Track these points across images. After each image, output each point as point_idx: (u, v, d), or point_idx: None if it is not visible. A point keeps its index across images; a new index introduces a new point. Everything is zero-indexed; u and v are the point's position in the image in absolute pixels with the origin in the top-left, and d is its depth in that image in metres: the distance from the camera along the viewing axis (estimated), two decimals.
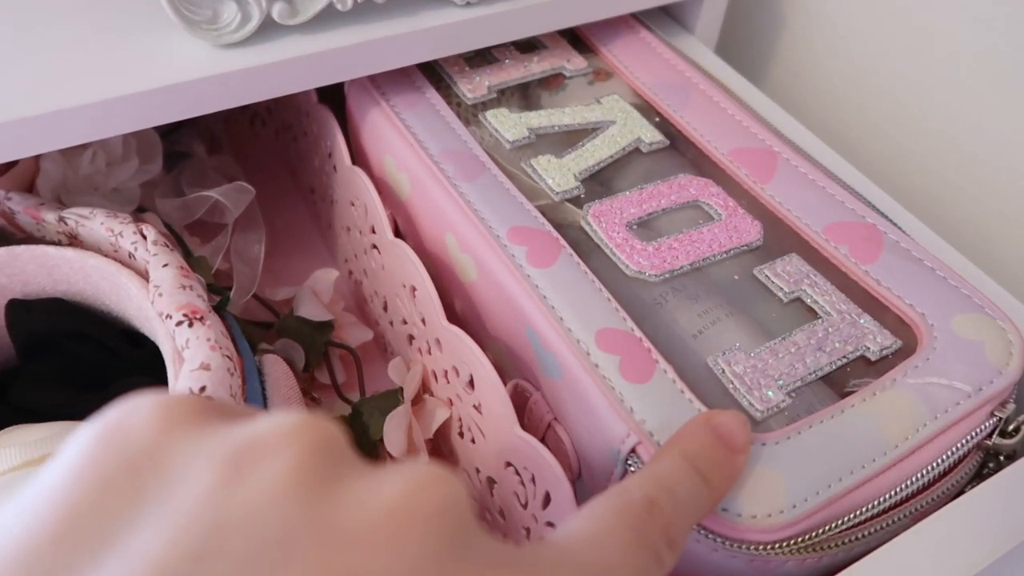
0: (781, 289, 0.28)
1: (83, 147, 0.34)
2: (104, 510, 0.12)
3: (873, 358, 0.26)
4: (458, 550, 0.12)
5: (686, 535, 0.19)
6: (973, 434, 0.24)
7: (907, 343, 0.26)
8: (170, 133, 0.42)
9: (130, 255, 0.28)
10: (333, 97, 0.36)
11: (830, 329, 0.26)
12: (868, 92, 0.42)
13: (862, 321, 0.27)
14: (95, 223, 0.29)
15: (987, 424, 0.24)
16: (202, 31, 0.29)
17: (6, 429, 0.27)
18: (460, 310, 0.32)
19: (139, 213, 0.37)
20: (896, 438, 0.24)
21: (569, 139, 0.33)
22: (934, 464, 0.24)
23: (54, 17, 0.31)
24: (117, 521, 0.12)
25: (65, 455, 0.13)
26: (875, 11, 0.40)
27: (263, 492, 0.12)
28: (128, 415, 0.13)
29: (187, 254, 0.35)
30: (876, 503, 0.23)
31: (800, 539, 0.22)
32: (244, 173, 0.44)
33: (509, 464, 0.27)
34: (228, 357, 0.25)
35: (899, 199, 0.32)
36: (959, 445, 0.24)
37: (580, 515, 0.18)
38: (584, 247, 0.29)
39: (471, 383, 0.29)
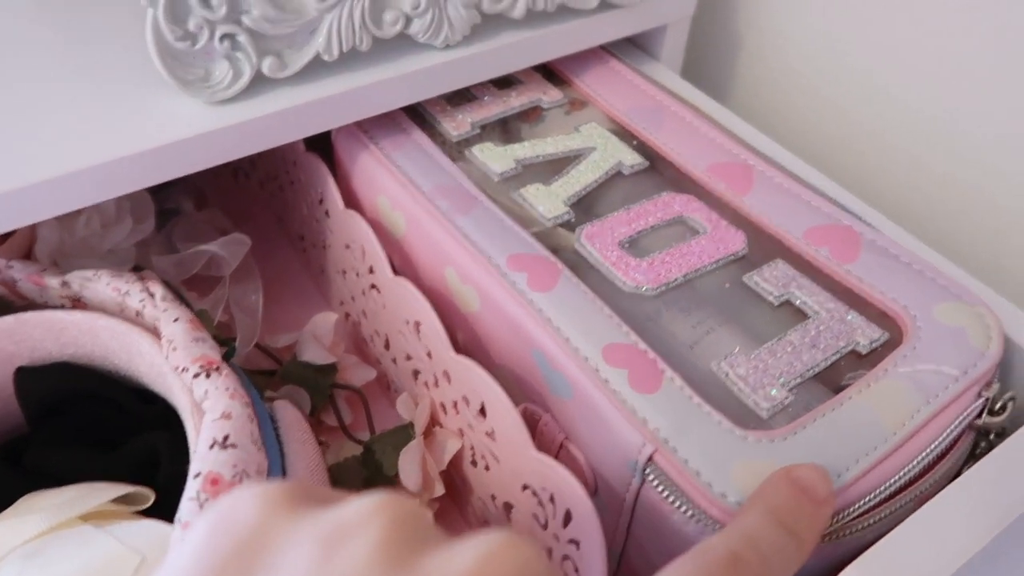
0: (771, 293, 0.29)
1: (78, 211, 0.35)
2: None
3: (864, 351, 0.27)
4: None
5: None
6: (964, 415, 0.25)
7: (893, 335, 0.27)
8: (158, 191, 0.42)
9: (137, 313, 0.29)
10: (318, 144, 0.37)
11: (821, 327, 0.28)
12: (822, 103, 0.44)
13: (849, 317, 0.28)
14: (100, 284, 0.29)
15: (976, 405, 0.26)
16: (196, 90, 0.30)
17: (27, 495, 0.27)
18: (463, 342, 0.33)
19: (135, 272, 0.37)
20: (894, 425, 0.25)
21: (554, 167, 0.35)
22: (932, 446, 0.25)
23: (46, 81, 0.32)
24: None
25: (185, 543, 0.14)
26: (827, 24, 0.42)
27: (354, 565, 0.13)
28: (234, 505, 0.15)
29: (189, 309, 0.36)
30: (882, 489, 0.24)
31: None
32: (232, 225, 0.44)
33: (526, 487, 0.28)
34: (247, 404, 0.26)
35: (860, 198, 0.34)
36: (953, 426, 0.25)
37: (665, 574, 0.18)
38: (580, 268, 0.30)
39: (482, 411, 0.29)
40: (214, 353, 0.27)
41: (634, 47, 0.43)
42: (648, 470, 0.25)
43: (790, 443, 0.24)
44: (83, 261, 0.35)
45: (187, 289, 0.38)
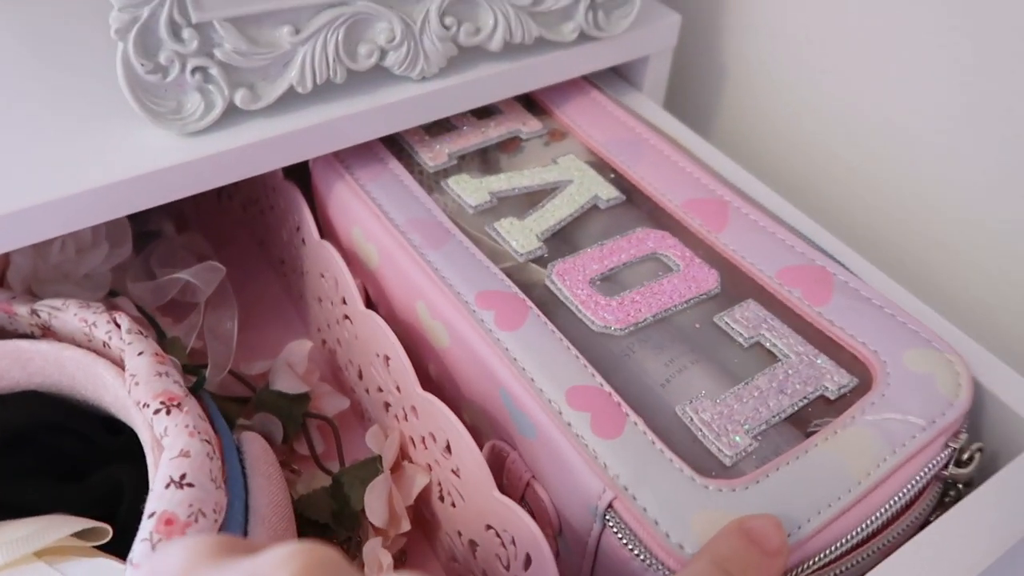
0: (741, 335, 0.29)
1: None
2: None
3: (832, 397, 0.27)
4: None
5: None
6: (930, 466, 0.25)
7: (863, 380, 0.27)
8: (139, 213, 0.42)
9: (104, 344, 0.29)
10: (298, 171, 0.37)
11: (790, 371, 0.28)
12: (806, 133, 0.44)
13: (819, 361, 0.28)
14: (68, 314, 0.29)
15: (942, 455, 0.25)
16: (167, 122, 0.30)
17: None
18: (435, 374, 0.32)
19: (111, 297, 0.37)
20: (859, 474, 0.25)
21: (530, 200, 0.34)
22: (897, 497, 0.25)
23: (19, 112, 0.32)
24: None
25: None
26: (810, 57, 0.42)
27: None
28: (163, 558, 0.17)
29: (161, 335, 0.36)
30: (846, 539, 0.24)
31: None
32: (214, 248, 0.44)
33: (489, 527, 0.28)
34: (207, 441, 0.25)
35: (842, 235, 0.34)
36: (918, 477, 0.25)
37: None
38: (550, 306, 0.30)
39: (448, 448, 0.29)
40: (177, 388, 0.27)
41: (617, 77, 0.43)
42: (608, 516, 0.24)
43: (752, 492, 0.24)
44: (58, 287, 0.35)
45: (163, 314, 0.38)
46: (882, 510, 0.24)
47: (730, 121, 0.48)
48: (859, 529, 0.24)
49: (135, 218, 0.41)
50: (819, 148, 0.44)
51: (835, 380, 0.27)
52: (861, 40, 0.39)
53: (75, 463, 0.30)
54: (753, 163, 0.43)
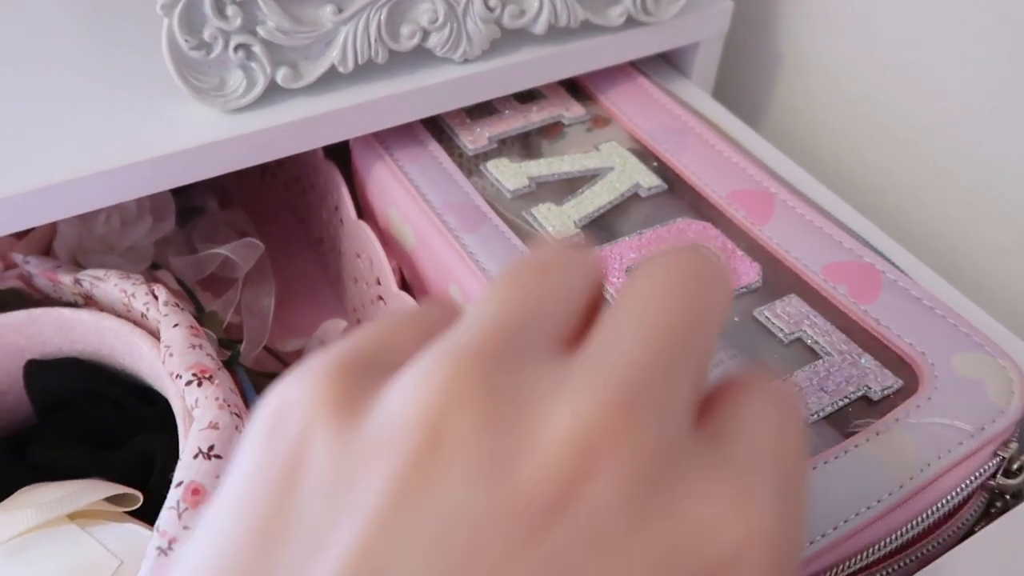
0: (781, 330, 0.28)
1: (98, 209, 0.36)
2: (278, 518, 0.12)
3: (875, 398, 0.26)
4: None
5: None
6: (977, 474, 0.24)
7: (908, 382, 0.26)
8: (183, 189, 0.43)
9: (143, 315, 0.29)
10: (339, 151, 0.38)
11: (831, 369, 0.27)
12: (865, 129, 0.42)
13: (863, 361, 0.27)
14: (109, 284, 0.30)
15: (991, 464, 0.24)
16: (209, 98, 0.30)
17: (23, 489, 0.27)
18: None
19: (153, 270, 0.38)
20: (900, 478, 0.24)
21: (569, 186, 0.34)
22: (939, 505, 0.24)
23: (67, 88, 0.32)
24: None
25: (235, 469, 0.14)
26: (869, 48, 0.40)
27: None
28: (282, 409, 0.13)
29: (199, 309, 0.36)
30: (881, 545, 0.23)
31: None
32: (255, 225, 0.45)
33: None
34: (236, 415, 0.26)
35: (898, 235, 0.32)
36: (963, 486, 0.24)
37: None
38: None
39: None
40: (209, 361, 0.27)
41: (665, 64, 0.42)
42: None
43: None
44: (102, 258, 0.36)
45: (203, 289, 0.38)
46: (924, 516, 0.23)
47: (783, 114, 0.47)
48: (899, 534, 0.23)
49: (179, 194, 0.42)
50: (877, 147, 0.42)
51: (879, 381, 0.26)
52: (927, 33, 0.37)
53: (111, 431, 0.30)
54: (806, 159, 0.42)
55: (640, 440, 0.12)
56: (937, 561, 0.23)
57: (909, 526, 0.23)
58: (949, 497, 0.24)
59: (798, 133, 0.46)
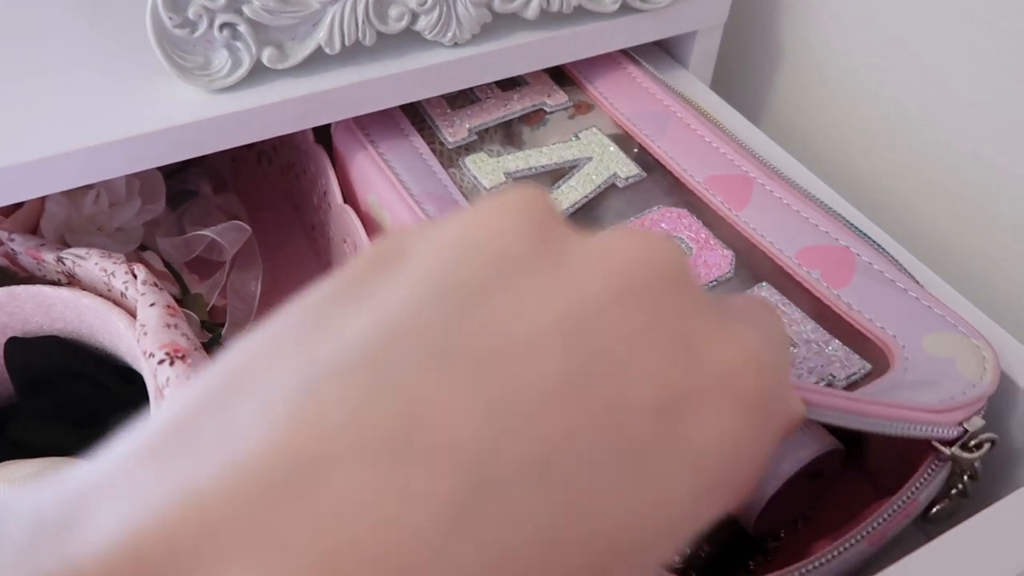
0: None
1: (87, 188, 0.36)
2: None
3: (840, 385, 0.26)
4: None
5: None
6: (935, 432, 0.23)
7: (879, 365, 0.26)
8: (178, 172, 0.43)
9: (122, 294, 0.29)
10: (326, 136, 0.37)
11: (795, 361, 0.27)
12: (869, 121, 0.41)
13: (829, 349, 0.26)
14: (90, 263, 0.30)
15: (952, 431, 0.23)
16: (194, 77, 0.30)
17: (0, 464, 0.27)
18: None
19: (141, 251, 0.38)
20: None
21: (547, 179, 0.34)
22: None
23: (50, 65, 0.32)
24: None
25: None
26: (873, 39, 0.40)
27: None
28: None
29: (184, 291, 0.36)
30: None
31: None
32: (250, 211, 0.45)
33: None
34: None
35: (898, 228, 0.32)
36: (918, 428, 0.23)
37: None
38: None
39: None
40: (184, 341, 0.27)
41: (662, 52, 0.41)
42: None
43: None
44: (91, 238, 0.36)
45: (191, 272, 0.38)
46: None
47: (783, 106, 0.46)
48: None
49: (173, 176, 0.42)
50: (881, 140, 0.41)
51: (844, 368, 0.26)
52: (933, 24, 0.36)
53: (91, 409, 0.30)
54: (807, 153, 0.41)
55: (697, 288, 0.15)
56: (911, 554, 0.23)
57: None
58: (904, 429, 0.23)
59: (800, 127, 0.46)
